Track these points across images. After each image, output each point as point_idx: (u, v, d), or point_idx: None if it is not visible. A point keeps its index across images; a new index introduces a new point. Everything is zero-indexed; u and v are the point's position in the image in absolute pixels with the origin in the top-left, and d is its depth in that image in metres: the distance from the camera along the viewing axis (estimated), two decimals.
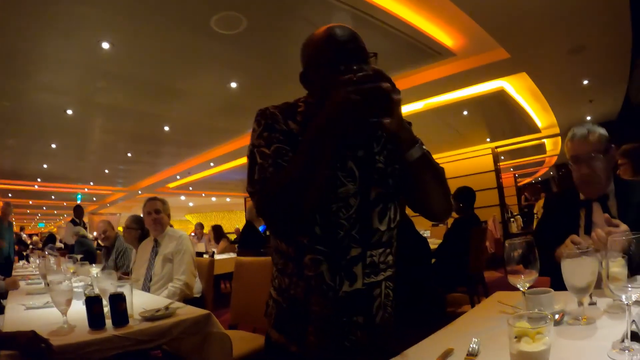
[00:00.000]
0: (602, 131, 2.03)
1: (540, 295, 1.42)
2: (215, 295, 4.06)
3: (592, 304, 1.49)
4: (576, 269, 1.35)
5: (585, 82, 7.04)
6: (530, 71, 6.24)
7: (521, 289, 1.39)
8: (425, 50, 5.44)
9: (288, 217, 1.10)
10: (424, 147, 1.20)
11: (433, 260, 4.51)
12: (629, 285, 1.05)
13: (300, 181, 1.07)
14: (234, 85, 6.29)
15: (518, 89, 7.44)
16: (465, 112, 8.41)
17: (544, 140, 11.39)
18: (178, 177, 13.17)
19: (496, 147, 11.29)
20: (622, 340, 1.10)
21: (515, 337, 0.96)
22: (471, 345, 1.19)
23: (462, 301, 4.11)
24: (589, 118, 9.46)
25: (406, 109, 7.60)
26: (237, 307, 3.00)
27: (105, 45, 4.72)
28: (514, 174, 17.08)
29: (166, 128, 8.27)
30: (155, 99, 6.69)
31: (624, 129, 8.64)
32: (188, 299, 3.03)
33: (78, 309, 2.08)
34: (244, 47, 5.07)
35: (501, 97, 7.53)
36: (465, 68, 5.95)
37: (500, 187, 11.06)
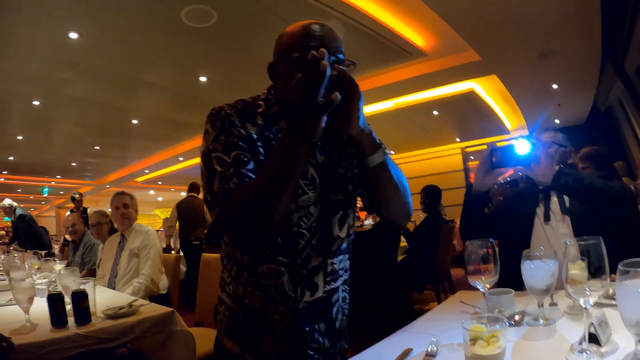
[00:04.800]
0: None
1: (500, 296, 1.44)
2: (183, 292, 4.02)
3: (552, 304, 1.51)
4: (536, 271, 1.36)
5: (555, 86, 7.21)
6: (501, 74, 6.37)
7: (481, 289, 1.41)
8: (397, 50, 5.49)
9: (255, 232, 1.06)
10: (386, 151, 1.18)
11: (400, 258, 4.58)
12: (587, 289, 1.07)
13: (270, 196, 1.03)
14: (203, 79, 6.25)
15: (488, 90, 7.57)
16: (435, 112, 8.52)
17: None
18: (147, 171, 12.99)
19: (465, 147, 11.44)
20: (580, 343, 1.12)
21: (470, 340, 0.97)
22: (430, 346, 1.19)
23: (429, 299, 4.19)
24: (557, 121, 9.68)
25: (376, 108, 7.69)
26: (203, 305, 2.97)
27: (74, 36, 4.62)
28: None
29: (135, 121, 8.13)
30: (124, 92, 6.59)
31: (591, 132, 8.90)
32: (154, 296, 2.99)
33: (42, 307, 2.02)
34: (214, 41, 5.04)
35: (471, 98, 7.65)
36: (436, 69, 6.01)
37: (469, 187, 11.17)
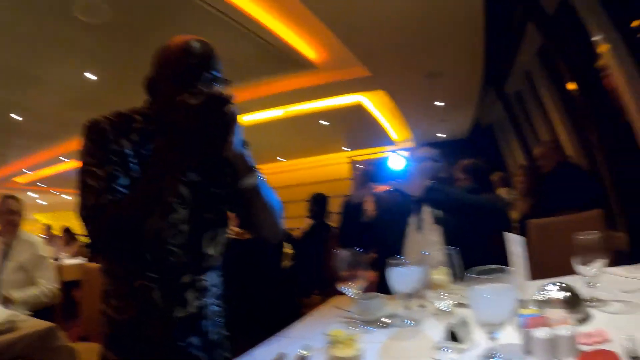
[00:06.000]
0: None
1: (369, 301, 1.54)
2: (66, 304, 3.79)
3: (420, 307, 1.59)
4: (400, 277, 1.46)
5: (439, 103, 7.60)
6: (389, 90, 6.66)
7: (351, 295, 1.49)
8: (288, 60, 5.55)
9: (126, 248, 1.10)
10: (259, 175, 1.21)
11: (288, 265, 4.66)
12: (444, 293, 1.21)
13: (141, 213, 1.05)
14: (93, 77, 5.91)
15: (376, 104, 7.85)
16: (324, 122, 8.67)
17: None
18: (27, 171, 11.88)
19: (353, 156, 11.64)
20: (442, 341, 1.23)
21: (331, 344, 1.05)
22: (300, 350, 1.23)
23: (317, 304, 4.31)
24: (441, 135, 10.30)
25: (267, 115, 7.73)
26: (88, 318, 2.83)
27: None
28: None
29: (17, 117, 7.46)
30: (7, 85, 6.04)
31: (472, 146, 9.60)
32: (39, 309, 2.83)
33: None
34: (106, 38, 4.83)
35: (359, 110, 7.90)
36: (325, 81, 6.16)
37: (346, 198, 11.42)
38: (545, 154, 3.70)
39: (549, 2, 3.76)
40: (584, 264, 1.42)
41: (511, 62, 5.78)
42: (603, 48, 3.38)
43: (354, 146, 11.26)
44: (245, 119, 7.27)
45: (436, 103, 7.57)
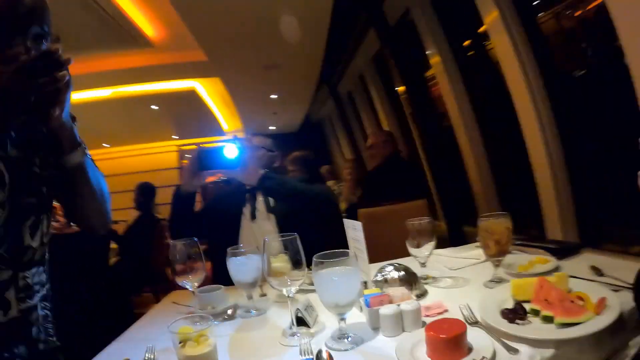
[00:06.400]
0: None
1: (211, 293, 1.51)
2: None
3: (262, 295, 1.62)
4: (241, 266, 1.44)
5: (274, 96, 7.69)
6: (225, 78, 6.49)
7: (190, 288, 1.44)
8: (124, 34, 5.03)
9: None
10: (86, 152, 1.07)
11: (114, 261, 4.32)
12: (289, 279, 1.21)
13: None
14: None
15: (210, 92, 7.66)
16: (154, 106, 8.19)
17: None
18: None
19: (182, 145, 11.28)
20: (290, 327, 1.23)
21: (180, 343, 0.97)
22: (146, 354, 1.16)
23: (148, 301, 4.05)
24: (272, 127, 10.51)
25: (92, 95, 6.94)
26: None
27: None
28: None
29: None
30: None
31: (302, 140, 9.98)
32: None
33: None
34: None
35: (192, 97, 7.61)
36: (161, 62, 5.77)
37: (177, 187, 11.07)
38: (377, 147, 3.95)
39: (392, 14, 3.97)
40: (417, 246, 1.57)
41: (348, 63, 6.01)
42: (434, 60, 3.68)
43: (183, 135, 10.83)
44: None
45: (271, 96, 7.65)
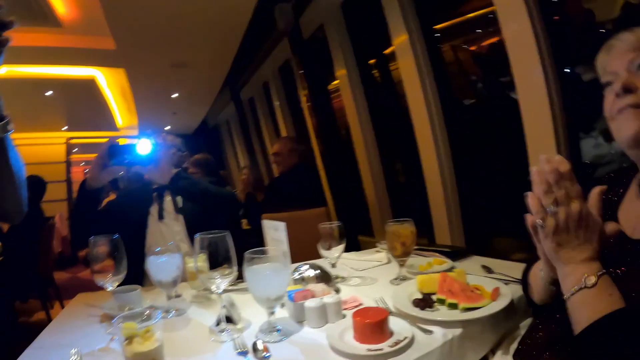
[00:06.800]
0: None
1: (128, 293, 1.46)
2: None
3: (177, 296, 1.61)
4: (163, 265, 1.45)
5: (175, 95, 7.53)
6: (130, 71, 6.21)
7: (109, 287, 1.40)
8: (34, 8, 4.66)
9: None
10: (9, 128, 1.05)
11: None
12: (218, 276, 1.26)
13: None
14: None
15: (110, 83, 7.34)
16: (49, 92, 7.59)
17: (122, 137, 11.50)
18: None
19: (71, 138, 10.63)
20: (218, 324, 1.27)
21: (126, 340, 0.96)
22: (71, 358, 1.14)
23: (35, 308, 3.75)
24: (168, 127, 10.18)
25: None
26: None
27: None
28: (84, 169, 16.58)
29: None
30: None
31: (197, 142, 9.80)
32: None
33: None
34: None
35: (91, 86, 7.24)
36: (67, 44, 5.34)
37: (69, 181, 10.47)
38: (282, 155, 4.04)
39: (307, 27, 4.10)
40: (328, 248, 1.73)
41: (254, 70, 6.06)
42: (340, 73, 3.88)
43: (74, 126, 10.11)
44: None
45: (173, 95, 7.48)
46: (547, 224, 0.89)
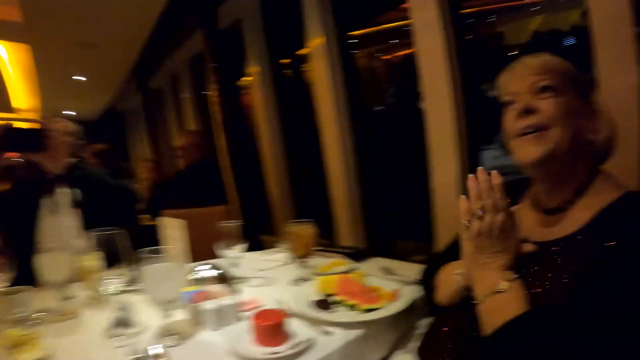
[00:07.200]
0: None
1: (18, 295, 1.35)
2: None
3: (70, 298, 1.51)
4: (51, 264, 1.36)
5: (81, 78, 7.19)
6: (37, 48, 5.76)
7: None
8: None
9: None
10: None
11: None
12: (113, 277, 1.19)
13: None
14: None
15: (13, 59, 6.78)
16: None
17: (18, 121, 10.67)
18: None
19: None
20: (115, 327, 1.22)
21: (13, 348, 0.91)
22: None
23: None
24: (70, 112, 9.58)
25: None
26: None
27: None
28: None
29: None
30: None
31: (101, 130, 9.26)
32: None
33: None
34: None
35: None
36: None
37: None
38: (186, 149, 3.93)
39: (223, 20, 4.03)
40: (227, 247, 1.70)
41: (163, 60, 5.90)
42: (253, 70, 3.84)
43: None
44: None
45: (78, 77, 7.10)
46: (472, 226, 0.98)
